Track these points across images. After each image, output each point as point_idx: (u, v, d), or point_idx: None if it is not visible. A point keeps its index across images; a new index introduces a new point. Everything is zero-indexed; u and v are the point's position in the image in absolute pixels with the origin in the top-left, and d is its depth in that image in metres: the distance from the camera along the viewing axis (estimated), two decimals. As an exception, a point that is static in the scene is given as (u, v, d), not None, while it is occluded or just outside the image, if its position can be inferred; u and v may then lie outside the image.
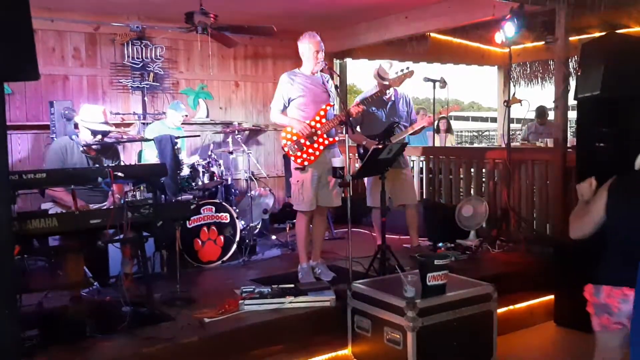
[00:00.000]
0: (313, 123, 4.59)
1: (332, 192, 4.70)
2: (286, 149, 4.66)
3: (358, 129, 5.44)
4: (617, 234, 2.78)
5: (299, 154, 4.60)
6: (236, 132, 6.35)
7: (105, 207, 4.31)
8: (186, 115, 6.36)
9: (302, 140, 4.59)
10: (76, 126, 4.76)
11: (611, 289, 2.70)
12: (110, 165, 4.51)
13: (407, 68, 5.05)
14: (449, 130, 9.26)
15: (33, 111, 6.31)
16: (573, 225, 2.98)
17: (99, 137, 4.58)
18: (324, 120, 4.60)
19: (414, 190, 5.67)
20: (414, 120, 5.62)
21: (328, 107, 4.64)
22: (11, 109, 6.13)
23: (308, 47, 4.62)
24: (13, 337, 2.13)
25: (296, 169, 4.68)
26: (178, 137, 5.52)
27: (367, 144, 5.24)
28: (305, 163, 4.60)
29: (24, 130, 6.21)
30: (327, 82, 4.73)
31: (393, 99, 5.47)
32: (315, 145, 4.60)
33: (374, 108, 5.37)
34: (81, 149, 4.60)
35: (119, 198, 4.39)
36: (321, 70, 4.72)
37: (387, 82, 5.25)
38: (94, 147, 4.61)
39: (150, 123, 6.56)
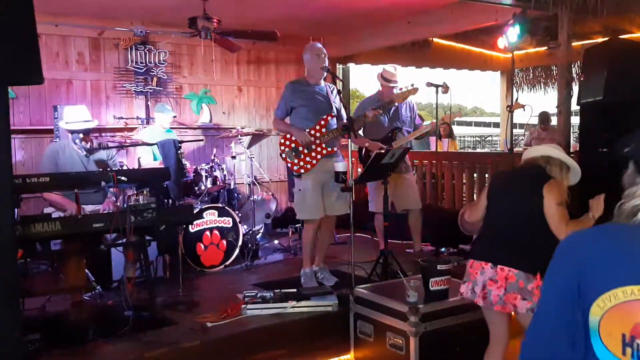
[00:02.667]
0: (312, 132, 4.59)
1: (341, 200, 4.69)
2: (283, 155, 4.66)
3: (360, 132, 5.44)
4: (489, 218, 3.24)
5: (295, 161, 4.60)
6: (239, 137, 6.35)
7: (106, 211, 4.30)
8: (175, 116, 6.34)
9: (300, 148, 4.59)
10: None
11: (473, 261, 3.16)
12: (113, 169, 4.52)
13: (412, 85, 5.07)
14: (450, 135, 9.26)
15: (37, 116, 6.33)
16: (470, 210, 3.51)
17: (80, 136, 4.57)
18: (324, 130, 4.60)
19: (417, 195, 5.66)
20: (417, 126, 5.62)
21: (329, 118, 4.64)
22: (15, 113, 6.14)
23: (309, 54, 4.65)
24: (15, 340, 2.13)
25: (294, 176, 4.69)
26: (182, 142, 5.53)
27: (370, 146, 5.24)
28: (302, 171, 4.60)
29: (27, 134, 6.23)
30: (332, 92, 4.74)
31: (396, 104, 5.47)
32: (313, 154, 4.60)
33: (381, 115, 5.37)
34: (76, 150, 4.57)
35: (113, 201, 4.40)
36: (324, 79, 4.73)
37: (391, 85, 5.27)
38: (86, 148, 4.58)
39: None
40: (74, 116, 4.66)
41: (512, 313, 3.07)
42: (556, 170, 3.07)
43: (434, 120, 6.20)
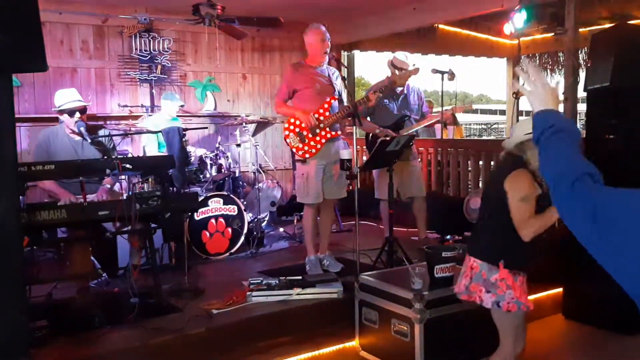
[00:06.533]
0: (317, 115, 4.58)
1: (338, 184, 4.69)
2: (288, 140, 4.65)
3: (368, 119, 5.41)
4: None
5: (300, 145, 4.59)
6: (244, 125, 6.35)
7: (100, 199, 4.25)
8: (182, 105, 6.33)
9: (305, 133, 4.58)
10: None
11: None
12: (117, 156, 4.50)
13: (413, 65, 5.02)
14: (455, 123, 9.20)
15: (42, 104, 6.33)
16: None
17: (78, 115, 4.46)
18: (327, 113, 4.59)
19: (422, 182, 5.65)
20: (425, 113, 5.59)
21: (332, 100, 4.62)
22: (20, 101, 6.15)
23: (313, 37, 4.62)
24: (22, 327, 2.15)
25: (297, 160, 4.68)
26: (186, 130, 5.52)
27: (380, 133, 5.22)
28: (307, 155, 4.59)
29: (32, 122, 6.23)
30: (333, 74, 4.72)
31: (405, 91, 5.44)
32: (318, 138, 4.59)
33: (386, 100, 5.34)
34: (69, 136, 4.52)
35: (107, 189, 4.37)
36: (328, 63, 4.71)
37: (402, 72, 5.22)
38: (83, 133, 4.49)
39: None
40: (65, 98, 4.56)
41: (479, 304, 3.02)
42: (533, 152, 2.88)
43: (443, 110, 6.16)
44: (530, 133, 2.84)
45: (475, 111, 37.00)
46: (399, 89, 5.37)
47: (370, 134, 5.46)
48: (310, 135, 4.57)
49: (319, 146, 4.58)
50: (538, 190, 2.89)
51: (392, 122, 5.34)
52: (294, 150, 4.63)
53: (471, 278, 3.00)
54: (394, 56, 5.41)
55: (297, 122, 4.58)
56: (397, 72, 5.26)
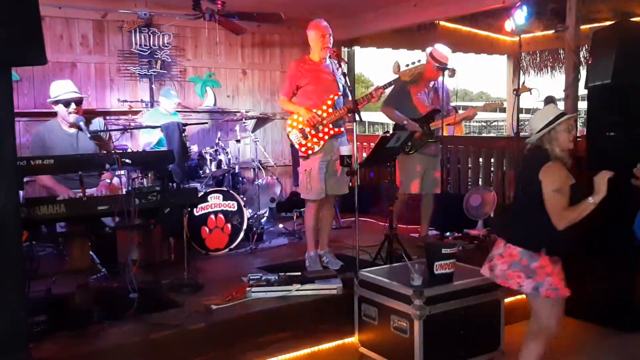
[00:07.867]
0: (320, 112, 4.56)
1: (340, 180, 4.68)
2: (291, 137, 4.63)
3: (396, 112, 5.34)
4: (513, 198, 3.35)
5: (303, 142, 4.58)
6: (243, 121, 6.33)
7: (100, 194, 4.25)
8: (179, 102, 6.31)
9: (308, 129, 4.56)
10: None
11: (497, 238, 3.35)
12: (118, 151, 4.49)
13: (419, 61, 4.96)
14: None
15: (41, 98, 6.30)
16: None
17: (73, 106, 4.44)
18: (330, 110, 4.57)
19: (439, 180, 5.63)
20: (449, 110, 5.56)
21: (336, 97, 4.60)
22: (19, 96, 6.14)
23: (315, 32, 4.60)
24: (21, 322, 2.14)
25: (301, 157, 4.67)
26: (186, 125, 5.50)
27: (408, 126, 5.18)
28: (309, 152, 4.58)
29: (31, 117, 6.21)
30: (337, 70, 4.70)
31: (437, 85, 5.39)
32: (320, 135, 4.57)
33: (419, 93, 5.29)
34: (65, 130, 4.51)
35: (107, 184, 4.36)
36: (329, 57, 4.68)
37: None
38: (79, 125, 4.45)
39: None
40: (61, 89, 4.53)
41: (518, 291, 3.16)
42: (551, 143, 3.05)
43: (471, 106, 6.11)
44: (541, 130, 3.04)
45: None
46: (432, 82, 5.34)
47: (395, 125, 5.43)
48: (313, 132, 4.56)
49: (322, 142, 4.57)
50: (572, 180, 3.01)
51: (423, 115, 5.30)
52: (297, 146, 4.62)
53: (509, 265, 3.10)
54: (434, 48, 5.28)
55: (300, 119, 4.57)
56: (436, 64, 5.21)
